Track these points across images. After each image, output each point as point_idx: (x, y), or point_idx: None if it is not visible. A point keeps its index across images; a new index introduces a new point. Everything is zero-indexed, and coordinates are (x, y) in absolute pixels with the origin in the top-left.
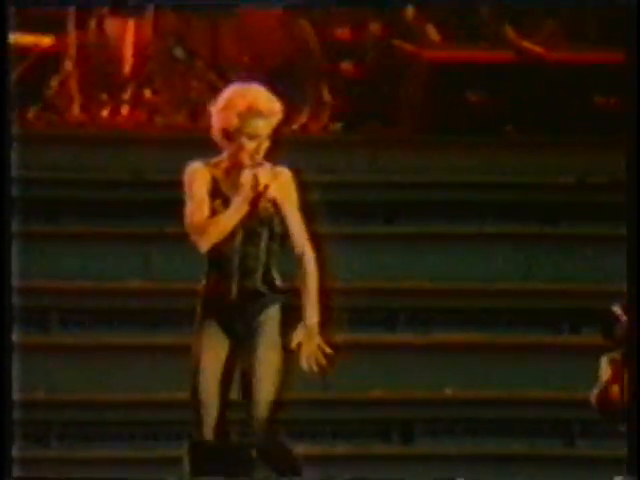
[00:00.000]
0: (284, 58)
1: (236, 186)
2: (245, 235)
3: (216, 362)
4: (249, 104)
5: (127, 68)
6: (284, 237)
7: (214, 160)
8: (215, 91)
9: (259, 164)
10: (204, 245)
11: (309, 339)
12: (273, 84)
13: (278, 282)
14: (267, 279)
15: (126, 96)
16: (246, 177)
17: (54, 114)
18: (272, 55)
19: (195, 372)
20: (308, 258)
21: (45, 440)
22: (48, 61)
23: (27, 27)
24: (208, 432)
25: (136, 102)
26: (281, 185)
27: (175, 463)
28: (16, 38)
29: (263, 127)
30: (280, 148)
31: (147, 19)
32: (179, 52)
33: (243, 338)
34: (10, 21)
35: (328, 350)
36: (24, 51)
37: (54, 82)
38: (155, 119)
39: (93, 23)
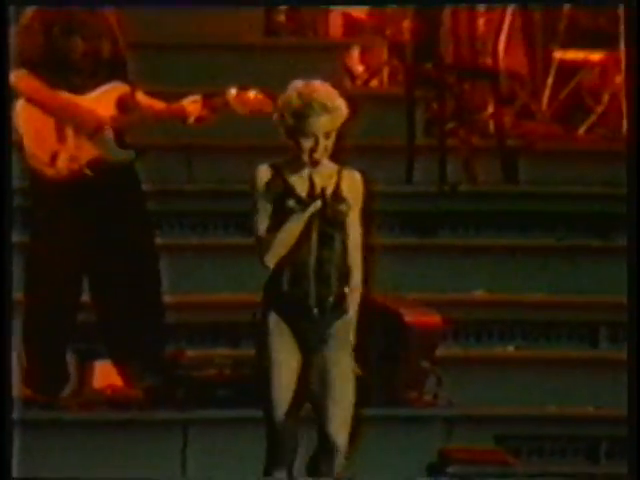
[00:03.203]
0: None
1: (299, 185)
2: (320, 238)
3: (290, 376)
4: (304, 101)
5: None
6: None
7: (285, 159)
8: None
9: (317, 163)
10: (270, 261)
11: None
12: None
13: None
14: (343, 286)
15: None
16: (303, 182)
17: (605, 129)
18: None
19: (268, 385)
20: (353, 274)
21: None
22: (598, 76)
23: (578, 43)
24: (283, 446)
25: None
26: (351, 187)
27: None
28: (566, 54)
29: (318, 124)
30: None
31: None
32: None
33: (315, 349)
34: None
35: (359, 372)
36: (575, 66)
37: (605, 97)
38: None
39: None
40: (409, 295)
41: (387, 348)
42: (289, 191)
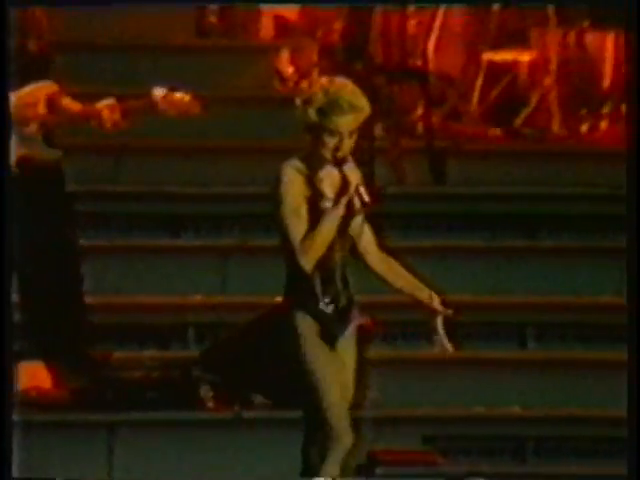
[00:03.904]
0: None
1: (325, 183)
2: (341, 241)
3: (338, 377)
4: (329, 99)
5: (606, 83)
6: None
7: (301, 156)
8: None
9: (341, 161)
10: (308, 265)
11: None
12: None
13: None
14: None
15: (606, 111)
16: (335, 178)
17: (534, 129)
18: None
19: (324, 391)
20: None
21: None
22: (527, 77)
23: (506, 44)
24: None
25: (615, 117)
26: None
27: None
28: (495, 55)
29: (344, 123)
30: None
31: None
32: None
33: (335, 345)
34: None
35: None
36: (504, 67)
37: (534, 98)
38: None
39: (572, 38)
40: None
41: None
42: (320, 191)
